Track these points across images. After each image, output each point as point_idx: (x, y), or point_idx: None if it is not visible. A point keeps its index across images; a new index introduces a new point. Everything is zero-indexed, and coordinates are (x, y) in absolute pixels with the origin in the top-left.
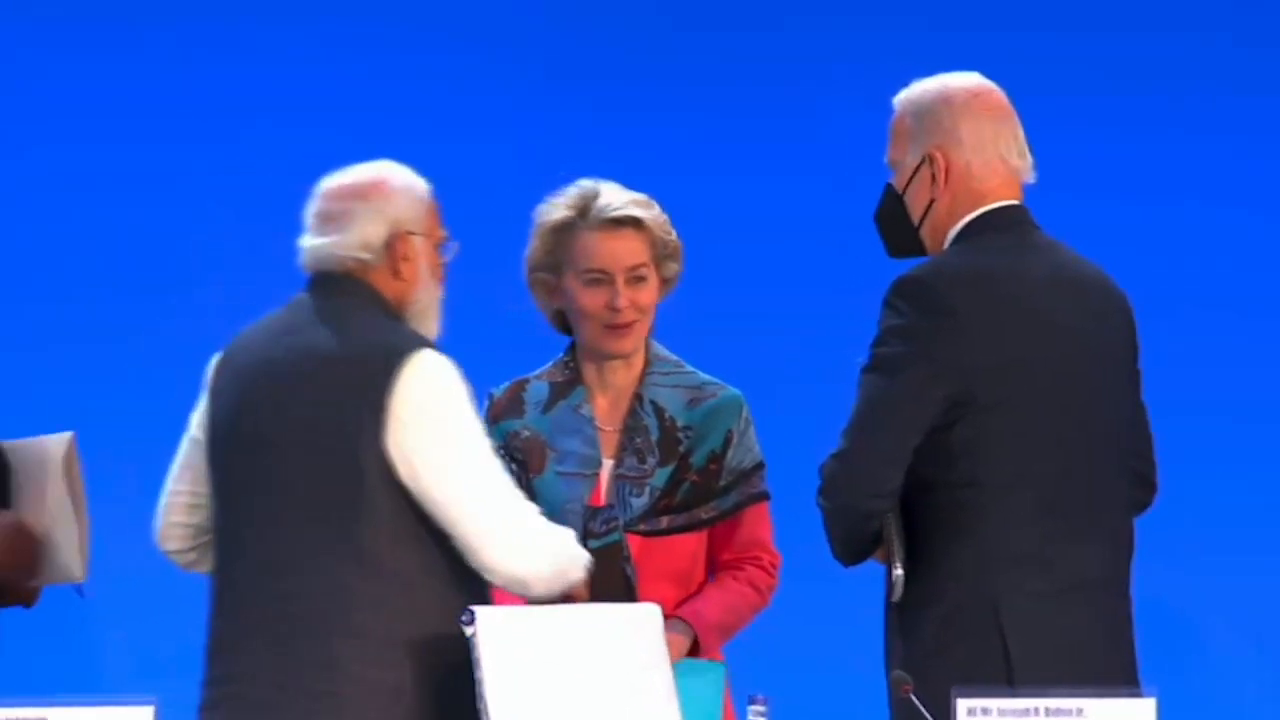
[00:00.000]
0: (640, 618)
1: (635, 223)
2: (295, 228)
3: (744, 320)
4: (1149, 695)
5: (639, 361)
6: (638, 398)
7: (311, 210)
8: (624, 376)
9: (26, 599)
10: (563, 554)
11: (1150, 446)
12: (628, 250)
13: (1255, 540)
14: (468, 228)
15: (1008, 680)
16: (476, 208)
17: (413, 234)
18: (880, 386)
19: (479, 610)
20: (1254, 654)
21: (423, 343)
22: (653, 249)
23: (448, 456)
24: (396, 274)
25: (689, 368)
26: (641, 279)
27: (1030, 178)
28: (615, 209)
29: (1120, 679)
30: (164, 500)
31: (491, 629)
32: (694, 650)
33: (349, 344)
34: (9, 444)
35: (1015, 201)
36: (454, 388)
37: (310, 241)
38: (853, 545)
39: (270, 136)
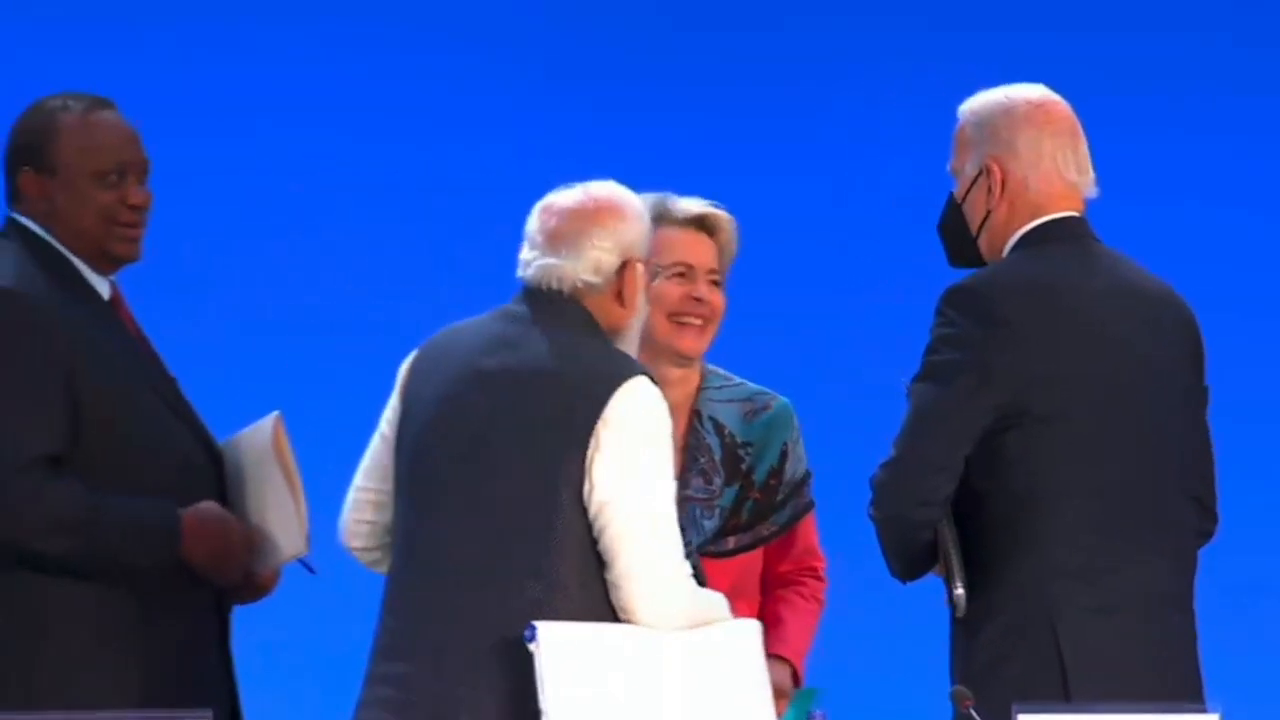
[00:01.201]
0: (736, 634)
1: (715, 227)
2: (297, 226)
3: (755, 320)
4: (1213, 713)
5: (694, 377)
6: (695, 414)
7: (537, 225)
8: (680, 392)
9: (265, 586)
10: (701, 618)
11: (1211, 471)
12: (708, 251)
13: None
14: (469, 228)
15: (1063, 696)
16: (477, 207)
17: (638, 261)
18: (931, 395)
19: (541, 625)
20: None
21: (639, 370)
22: (721, 259)
23: (630, 489)
24: (619, 300)
25: (737, 379)
26: (716, 284)
27: (1092, 193)
28: (700, 208)
29: (1182, 695)
30: (351, 496)
31: (556, 646)
32: (794, 683)
33: (569, 365)
34: (224, 443)
35: (1074, 213)
36: (659, 421)
37: (538, 259)
38: (906, 557)
39: (271, 136)
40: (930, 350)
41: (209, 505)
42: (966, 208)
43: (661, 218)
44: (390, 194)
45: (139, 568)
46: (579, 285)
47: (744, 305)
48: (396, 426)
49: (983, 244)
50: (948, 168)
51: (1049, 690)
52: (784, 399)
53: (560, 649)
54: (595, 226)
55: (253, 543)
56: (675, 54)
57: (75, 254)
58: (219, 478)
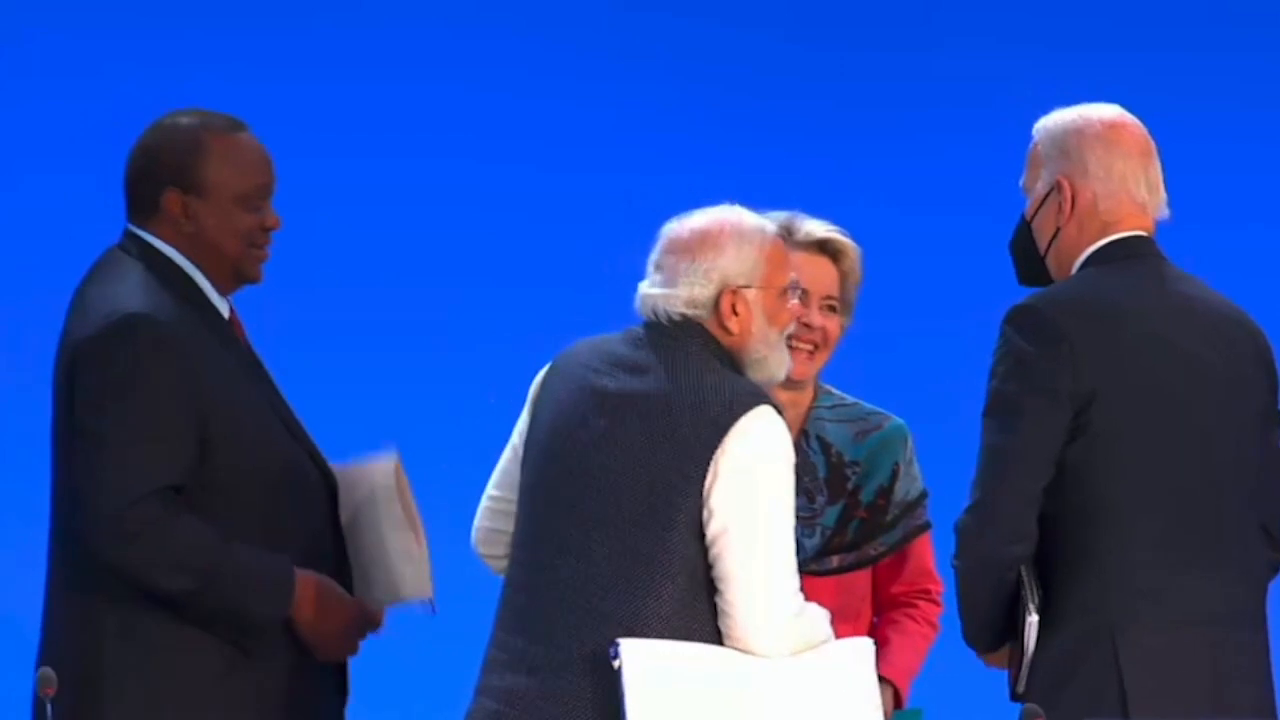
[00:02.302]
0: (847, 654)
1: (838, 252)
2: (404, 238)
3: (877, 341)
4: None
5: (806, 398)
6: (804, 434)
7: (652, 253)
8: (791, 414)
9: (373, 622)
10: (808, 642)
11: None
12: (827, 276)
13: None
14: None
15: (1122, 714)
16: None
17: (744, 287)
18: (1001, 429)
19: (624, 642)
20: None
21: (759, 398)
22: (844, 287)
23: (746, 517)
24: (725, 329)
25: (851, 399)
26: (833, 309)
27: (1162, 214)
28: (824, 232)
29: (1251, 714)
30: (482, 504)
31: (641, 663)
32: (895, 704)
33: (690, 391)
34: (336, 469)
35: (1142, 232)
36: (778, 448)
37: (644, 287)
38: (989, 611)
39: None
40: (994, 375)
41: (326, 579)
42: (1036, 225)
43: (785, 239)
44: (518, 212)
45: (247, 619)
46: (676, 317)
47: (866, 326)
48: (524, 438)
49: (1050, 262)
50: (1020, 184)
51: (1109, 709)
52: (899, 420)
53: (645, 666)
54: (690, 260)
55: (360, 620)
56: (781, 73)
57: (204, 273)
58: (333, 500)
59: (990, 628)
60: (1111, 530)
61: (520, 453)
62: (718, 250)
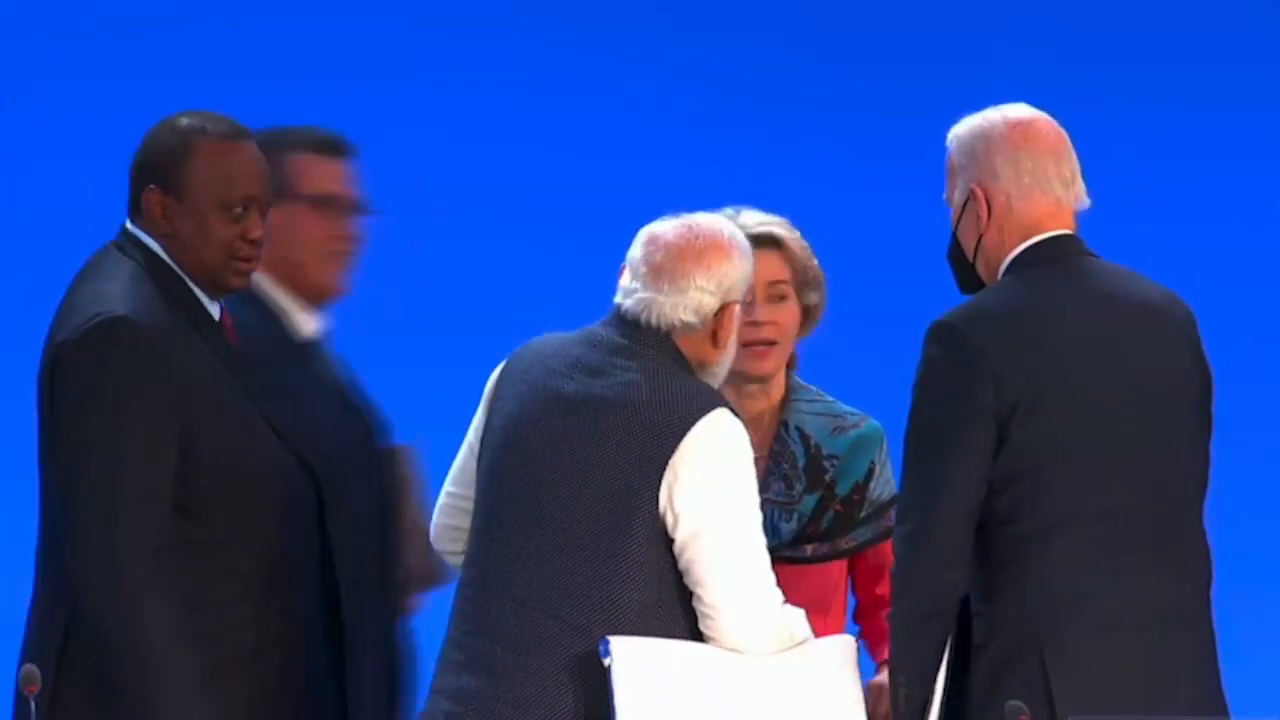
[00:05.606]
0: (832, 652)
1: (774, 241)
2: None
3: (858, 343)
4: None
5: (778, 390)
6: (783, 424)
7: (641, 255)
8: (764, 404)
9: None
10: (790, 641)
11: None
12: (767, 268)
13: None
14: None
15: None
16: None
17: (736, 304)
18: (929, 454)
19: (615, 640)
20: None
21: (718, 402)
22: (793, 272)
23: (718, 520)
24: (713, 341)
25: (829, 397)
26: (783, 298)
27: (1082, 204)
28: (754, 227)
29: (1197, 713)
30: (440, 500)
31: (631, 661)
32: None
33: (649, 398)
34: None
35: (1065, 231)
36: (738, 448)
37: (639, 291)
38: (927, 663)
39: None
40: (916, 398)
41: None
42: (960, 235)
43: None
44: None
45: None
46: (676, 324)
47: (850, 328)
48: (481, 437)
49: (980, 270)
50: (944, 198)
51: (1038, 716)
52: (875, 421)
53: (635, 664)
54: (700, 267)
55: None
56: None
57: (188, 276)
58: (319, 506)
59: (923, 687)
60: (1039, 541)
61: (477, 450)
62: (727, 260)
